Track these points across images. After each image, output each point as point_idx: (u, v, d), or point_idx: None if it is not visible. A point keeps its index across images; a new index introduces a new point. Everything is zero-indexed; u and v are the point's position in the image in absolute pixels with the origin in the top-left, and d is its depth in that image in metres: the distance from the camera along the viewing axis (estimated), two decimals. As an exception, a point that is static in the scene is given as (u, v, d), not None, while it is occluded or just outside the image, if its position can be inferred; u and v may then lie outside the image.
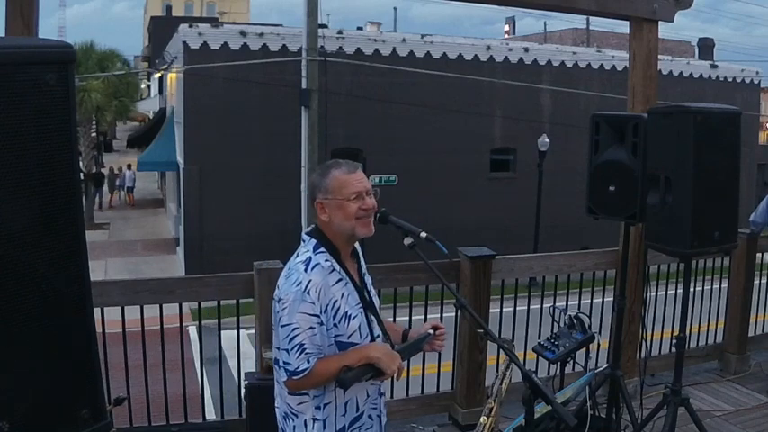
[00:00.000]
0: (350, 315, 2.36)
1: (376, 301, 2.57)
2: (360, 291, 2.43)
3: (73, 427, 2.00)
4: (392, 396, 4.38)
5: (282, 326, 2.28)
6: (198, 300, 3.94)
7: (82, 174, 19.49)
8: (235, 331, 4.02)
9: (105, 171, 31.41)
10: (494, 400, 2.82)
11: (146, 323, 3.69)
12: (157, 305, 3.77)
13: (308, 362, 2.26)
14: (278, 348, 2.37)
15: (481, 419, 2.77)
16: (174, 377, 3.95)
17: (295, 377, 2.27)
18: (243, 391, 3.78)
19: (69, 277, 1.96)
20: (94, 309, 2.12)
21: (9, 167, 1.77)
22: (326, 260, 2.34)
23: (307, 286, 2.25)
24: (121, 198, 31.38)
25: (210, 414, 4.65)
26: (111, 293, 3.64)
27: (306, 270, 2.29)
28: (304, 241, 2.42)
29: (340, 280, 2.36)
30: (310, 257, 2.33)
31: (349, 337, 2.36)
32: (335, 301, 2.32)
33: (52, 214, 1.89)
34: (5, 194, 1.77)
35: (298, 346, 2.25)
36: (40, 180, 1.85)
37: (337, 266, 2.37)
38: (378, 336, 2.47)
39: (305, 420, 2.37)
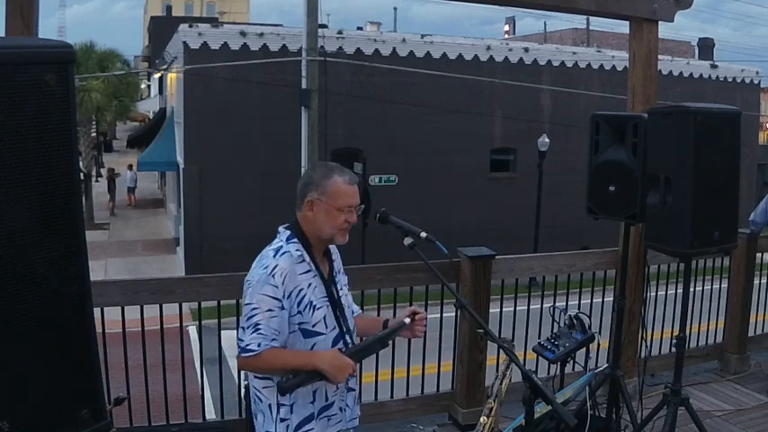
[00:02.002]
0: (315, 305, 2.43)
1: (346, 300, 2.62)
2: (327, 286, 2.49)
3: (73, 427, 2.00)
4: (392, 396, 4.39)
5: (244, 305, 2.39)
6: (198, 300, 3.94)
7: (82, 174, 19.47)
8: (235, 331, 4.01)
9: (104, 172, 31.37)
10: (494, 400, 2.82)
11: (146, 323, 3.69)
12: (157, 305, 3.77)
13: (259, 346, 2.33)
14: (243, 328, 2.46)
15: (481, 419, 2.78)
16: (174, 377, 3.95)
17: (244, 354, 2.36)
18: (243, 391, 3.77)
19: (69, 277, 1.96)
20: (94, 309, 2.12)
21: (9, 167, 1.77)
22: (297, 250, 2.43)
23: (273, 270, 2.35)
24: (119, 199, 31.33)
25: (210, 414, 4.64)
26: (111, 293, 3.63)
27: (275, 256, 2.40)
28: (279, 233, 2.51)
29: (309, 271, 2.44)
30: (281, 246, 2.44)
31: (314, 326, 2.43)
32: (301, 290, 2.40)
33: (52, 214, 1.89)
34: (5, 194, 1.77)
35: (253, 326, 2.35)
36: (40, 180, 1.85)
37: (307, 258, 2.44)
38: (346, 330, 2.51)
39: (269, 405, 2.45)
